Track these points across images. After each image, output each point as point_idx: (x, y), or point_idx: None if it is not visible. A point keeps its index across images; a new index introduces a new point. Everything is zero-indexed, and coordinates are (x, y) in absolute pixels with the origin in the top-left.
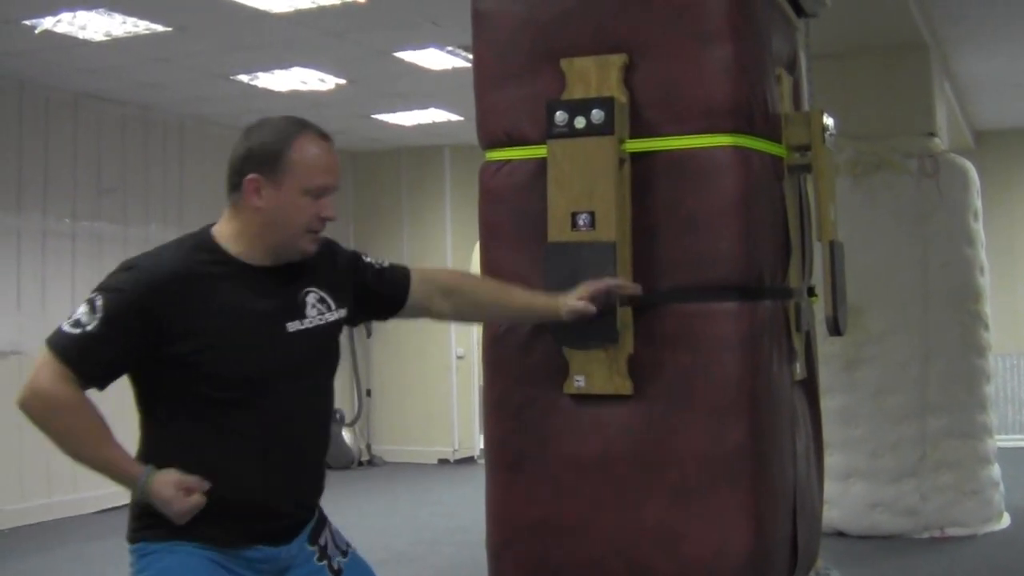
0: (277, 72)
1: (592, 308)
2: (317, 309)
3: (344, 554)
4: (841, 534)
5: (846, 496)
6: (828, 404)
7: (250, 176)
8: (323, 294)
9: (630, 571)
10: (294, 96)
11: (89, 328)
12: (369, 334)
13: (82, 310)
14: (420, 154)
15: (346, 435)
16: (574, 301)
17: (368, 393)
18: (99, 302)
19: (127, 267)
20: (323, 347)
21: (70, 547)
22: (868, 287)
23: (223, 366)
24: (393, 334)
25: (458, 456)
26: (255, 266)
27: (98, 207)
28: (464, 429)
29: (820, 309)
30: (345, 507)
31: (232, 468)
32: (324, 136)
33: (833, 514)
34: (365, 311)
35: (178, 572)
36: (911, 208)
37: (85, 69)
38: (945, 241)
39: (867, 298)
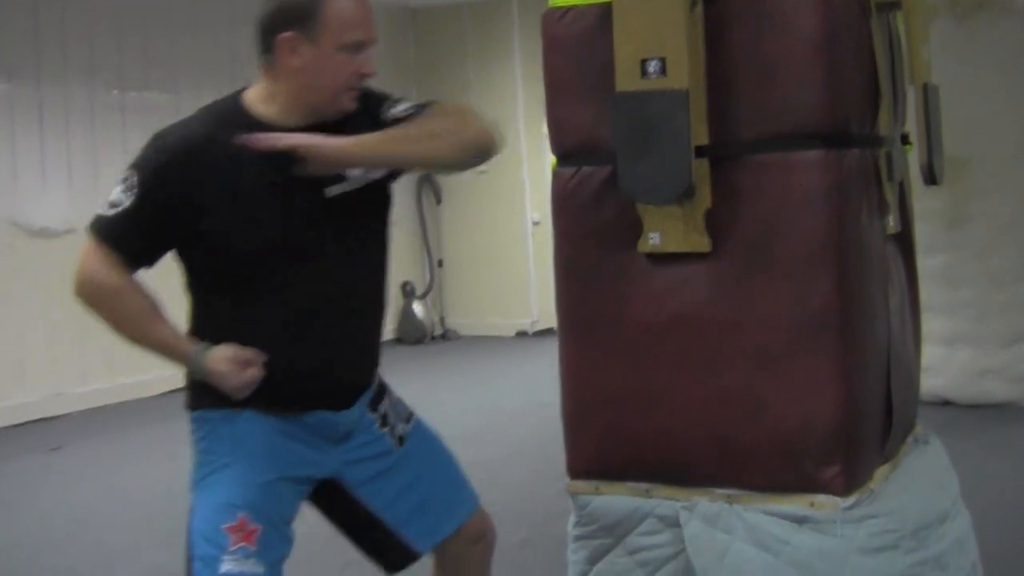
0: None
1: None
2: (359, 168)
3: (407, 421)
4: (947, 403)
5: (951, 363)
6: (930, 264)
7: (284, 35)
8: None
9: (711, 441)
10: None
11: (126, 206)
12: (439, 200)
13: (117, 190)
14: (486, 7)
15: (418, 308)
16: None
17: (440, 264)
18: (133, 179)
19: (156, 138)
20: (368, 207)
21: (134, 431)
22: (971, 138)
23: (264, 235)
24: (464, 199)
25: (537, 328)
26: (290, 127)
27: (147, 76)
28: (543, 299)
29: (916, 159)
30: (418, 383)
31: (286, 336)
32: None
33: (937, 382)
34: None
35: (238, 439)
36: (1017, 52)
37: None
38: None
39: (970, 150)
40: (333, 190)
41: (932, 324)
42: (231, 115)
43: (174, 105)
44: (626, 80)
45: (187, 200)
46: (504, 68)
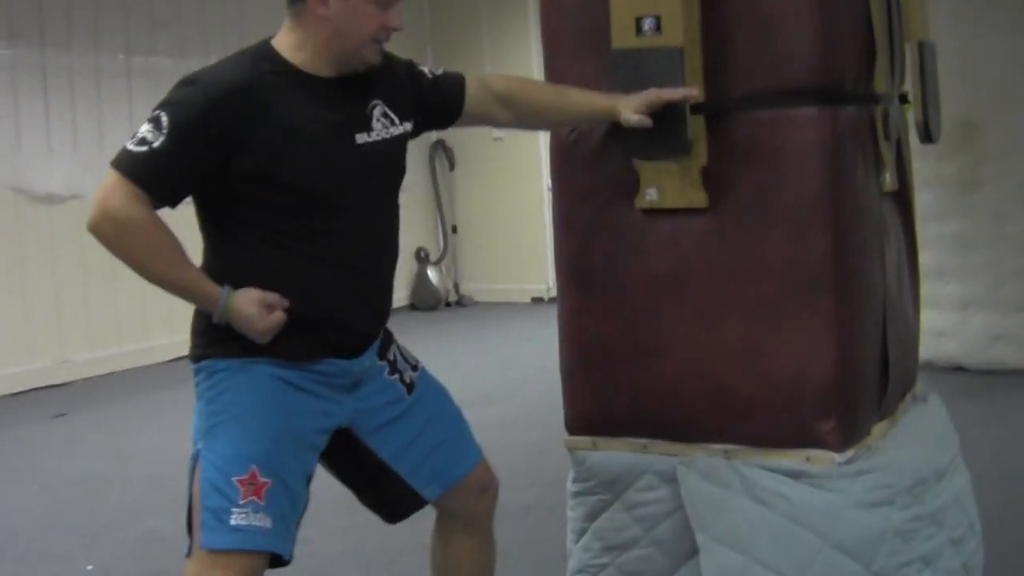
0: None
1: (648, 122)
2: (382, 123)
3: (414, 368)
4: (960, 368)
5: (965, 328)
6: (944, 229)
7: None
8: (387, 108)
9: (709, 392)
10: None
11: (156, 145)
12: (452, 166)
13: (146, 128)
14: None
15: (432, 274)
16: (630, 114)
17: (454, 230)
18: (164, 118)
19: (189, 81)
20: (389, 161)
21: (138, 398)
22: (985, 102)
23: (294, 176)
24: (478, 165)
25: (552, 295)
26: (320, 76)
27: (153, 41)
28: None
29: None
30: (432, 349)
31: (306, 281)
32: None
33: (951, 347)
34: (423, 122)
35: (250, 390)
36: None
37: None
38: None
39: (985, 114)
40: (362, 137)
41: (946, 289)
42: (265, 61)
43: (181, 70)
44: (622, 37)
45: (227, 140)
46: (519, 36)
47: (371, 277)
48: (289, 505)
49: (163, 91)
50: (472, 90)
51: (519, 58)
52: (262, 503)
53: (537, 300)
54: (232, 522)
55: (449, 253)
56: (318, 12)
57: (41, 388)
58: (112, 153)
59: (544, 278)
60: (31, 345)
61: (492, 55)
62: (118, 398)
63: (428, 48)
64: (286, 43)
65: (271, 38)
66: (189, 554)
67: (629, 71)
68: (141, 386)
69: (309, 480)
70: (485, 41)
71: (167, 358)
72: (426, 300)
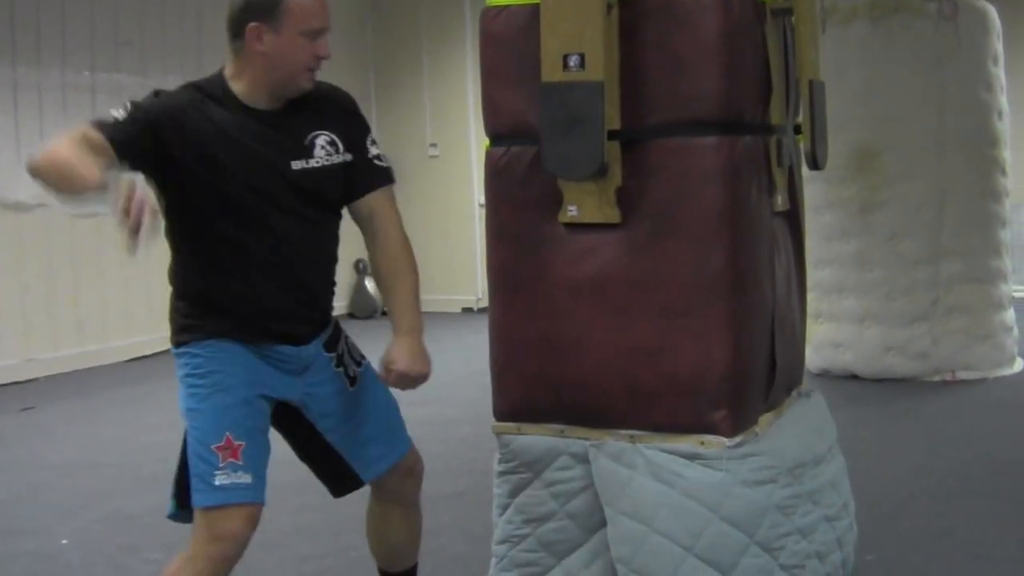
0: None
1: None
2: (326, 151)
3: (358, 364)
4: (855, 377)
5: (860, 339)
6: (844, 248)
7: (252, 25)
8: (334, 136)
9: (620, 384)
10: None
11: (120, 117)
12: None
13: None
14: None
15: (369, 285)
16: (388, 355)
17: None
18: (128, 106)
19: (155, 94)
20: (326, 185)
21: (102, 393)
22: (884, 131)
23: (229, 186)
24: (417, 182)
25: (481, 305)
26: (259, 109)
27: (117, 59)
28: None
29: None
30: (369, 355)
31: (247, 281)
32: None
33: (847, 357)
34: None
35: (222, 363)
36: (929, 51)
37: None
38: (963, 85)
39: (883, 142)
40: (298, 164)
41: (845, 303)
42: (214, 87)
43: (142, 87)
44: (551, 72)
45: (162, 147)
46: (456, 57)
47: (300, 280)
48: (260, 458)
49: None
50: (372, 201)
51: (456, 78)
52: (240, 462)
53: (467, 310)
54: (216, 483)
55: None
56: (255, 48)
57: (8, 384)
58: None
59: (474, 289)
60: None
61: (431, 77)
62: (81, 394)
63: (370, 68)
64: (230, 73)
65: (224, 68)
66: (172, 514)
67: (555, 101)
68: (102, 383)
69: (266, 432)
70: (425, 63)
71: (125, 358)
72: (363, 309)
